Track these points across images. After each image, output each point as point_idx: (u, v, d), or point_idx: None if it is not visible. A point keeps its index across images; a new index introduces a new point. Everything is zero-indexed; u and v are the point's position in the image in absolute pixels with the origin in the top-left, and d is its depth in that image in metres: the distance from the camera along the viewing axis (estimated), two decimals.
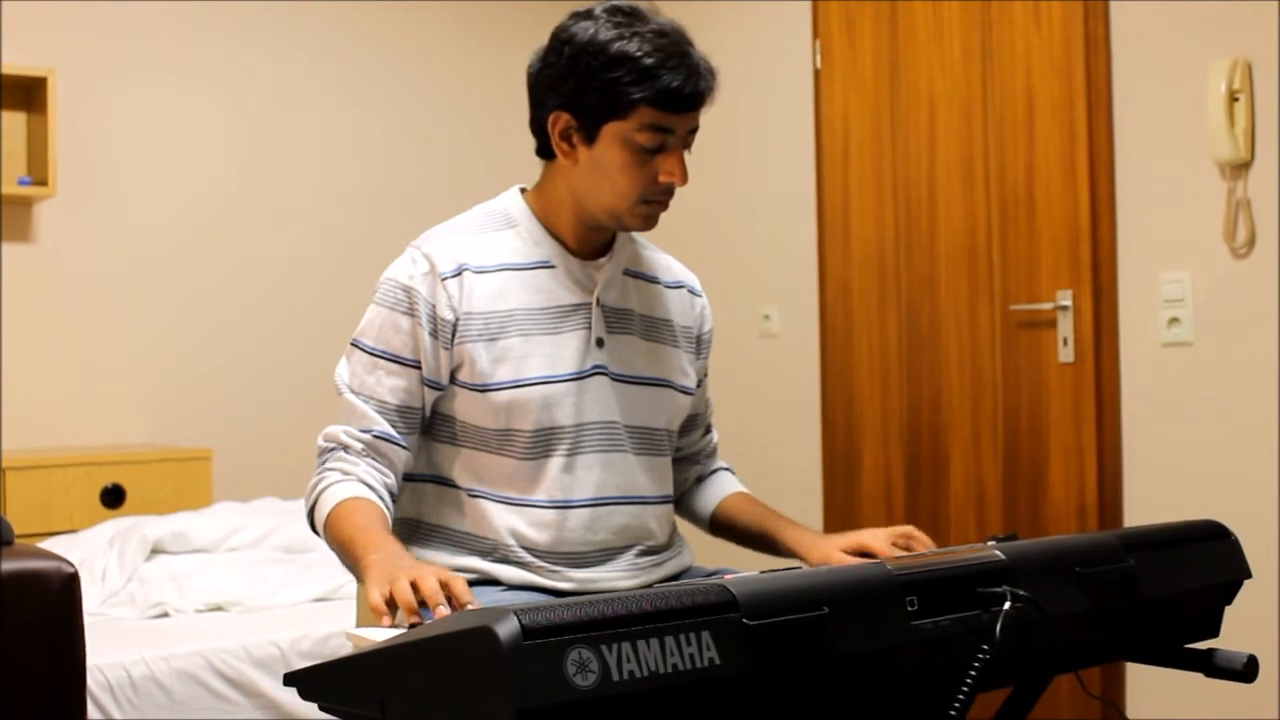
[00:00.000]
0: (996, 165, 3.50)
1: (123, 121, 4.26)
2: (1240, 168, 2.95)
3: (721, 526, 2.11)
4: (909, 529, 1.87)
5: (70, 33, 4.16)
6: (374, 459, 1.85)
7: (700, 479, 2.17)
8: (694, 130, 1.86)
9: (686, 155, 1.87)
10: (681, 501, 2.16)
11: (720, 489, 2.14)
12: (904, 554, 1.82)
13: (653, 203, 1.86)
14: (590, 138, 1.83)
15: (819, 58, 4.06)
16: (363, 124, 4.72)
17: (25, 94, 4.02)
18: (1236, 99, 2.92)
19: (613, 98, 1.79)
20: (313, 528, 1.87)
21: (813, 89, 4.09)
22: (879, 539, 1.85)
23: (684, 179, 1.84)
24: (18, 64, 3.96)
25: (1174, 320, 3.10)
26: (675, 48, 1.80)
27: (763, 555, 2.06)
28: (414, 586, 1.51)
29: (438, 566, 1.59)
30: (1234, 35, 2.95)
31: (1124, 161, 3.22)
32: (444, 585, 1.51)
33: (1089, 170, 3.26)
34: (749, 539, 2.06)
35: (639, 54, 1.78)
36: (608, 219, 1.88)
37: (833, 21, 4.00)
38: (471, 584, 1.80)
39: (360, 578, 1.69)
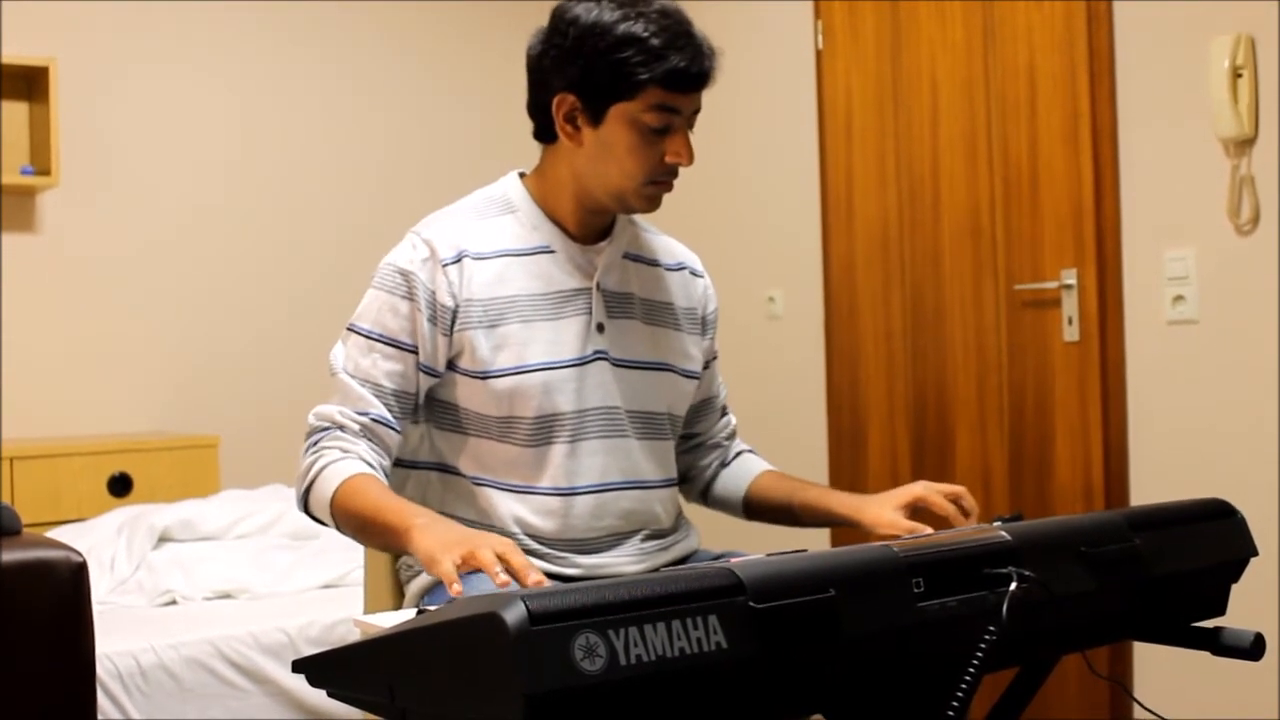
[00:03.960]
0: (999, 144, 3.49)
1: (125, 110, 4.26)
2: (1244, 144, 2.94)
3: (755, 509, 2.09)
4: (960, 488, 1.87)
5: (71, 22, 4.16)
6: (371, 441, 1.85)
7: (724, 464, 2.15)
8: (697, 111, 1.87)
9: (690, 136, 1.87)
10: (709, 489, 2.14)
11: (748, 470, 2.12)
12: (920, 533, 1.80)
13: (659, 183, 1.86)
14: (596, 119, 1.83)
15: (820, 38, 4.05)
16: (365, 110, 4.72)
17: (27, 84, 4.03)
18: (1239, 75, 2.91)
19: (621, 79, 1.79)
20: (306, 506, 1.84)
21: (815, 69, 4.08)
22: (933, 491, 1.85)
23: (690, 159, 1.85)
24: (19, 54, 3.96)
25: (1179, 298, 3.09)
26: (680, 28, 1.81)
27: (770, 539, 2.05)
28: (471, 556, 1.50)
29: (492, 535, 1.58)
30: (1236, 11, 2.94)
31: (1127, 139, 3.21)
32: (502, 557, 1.50)
33: (1092, 148, 3.25)
34: (786, 515, 2.05)
35: (646, 35, 1.78)
36: (612, 201, 1.88)
37: (834, 2, 3.99)
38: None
39: (399, 545, 1.67)
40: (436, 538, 1.57)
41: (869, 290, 3.90)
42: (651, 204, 1.89)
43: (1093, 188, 3.25)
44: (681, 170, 1.88)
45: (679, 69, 1.79)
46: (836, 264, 4.02)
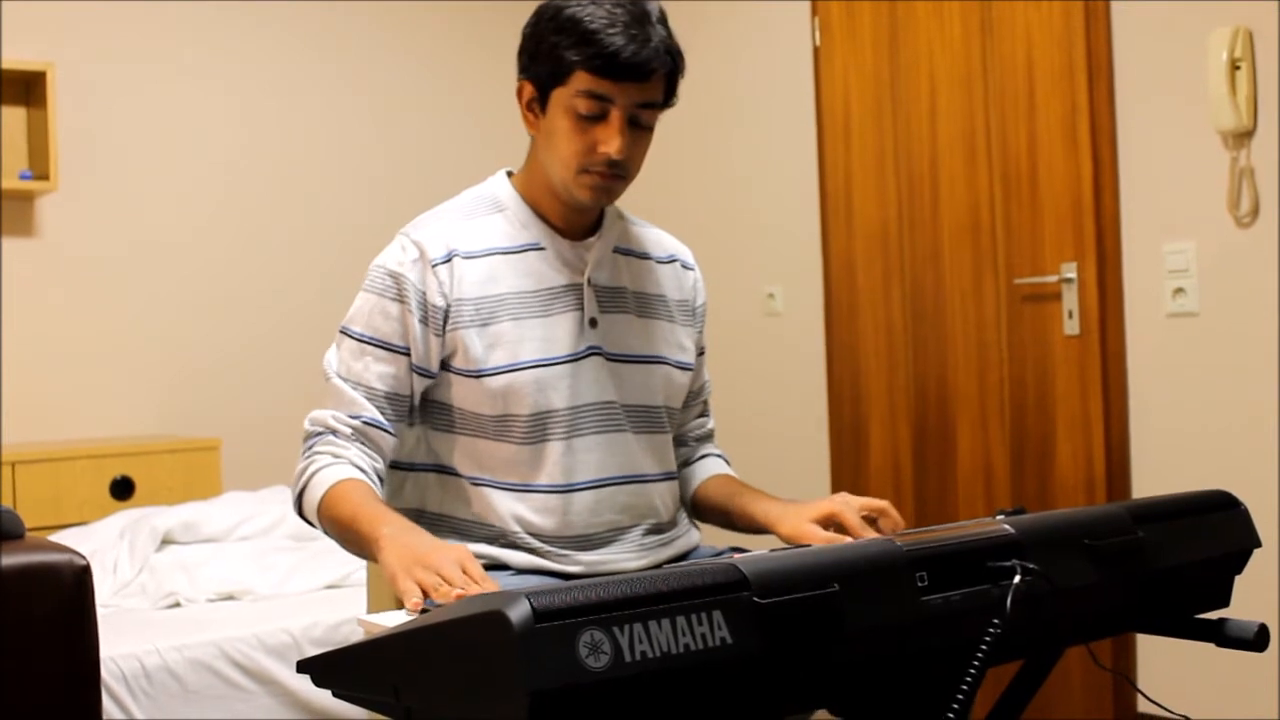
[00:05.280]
0: (998, 139, 3.49)
1: (122, 114, 4.26)
2: (1243, 136, 2.94)
3: (700, 511, 2.07)
4: (883, 504, 1.79)
5: (68, 26, 4.16)
6: (363, 444, 1.84)
7: (687, 463, 2.11)
8: (646, 106, 1.81)
9: (645, 134, 1.83)
10: None
11: (702, 472, 2.09)
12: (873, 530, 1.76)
13: (595, 174, 1.82)
14: (543, 106, 1.83)
15: (818, 35, 4.04)
16: (362, 111, 4.72)
17: (25, 88, 4.02)
18: (1238, 67, 2.91)
19: (554, 63, 1.79)
20: (300, 511, 1.84)
21: (813, 66, 4.07)
22: (850, 509, 1.77)
23: (620, 151, 1.79)
24: (17, 58, 3.96)
25: (1179, 291, 3.09)
26: (628, 18, 1.77)
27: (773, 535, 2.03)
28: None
29: (454, 546, 1.59)
30: (1234, 4, 2.94)
31: (1126, 133, 3.21)
32: (463, 570, 1.52)
33: (1091, 142, 3.25)
34: (721, 519, 2.01)
35: (585, 19, 1.77)
36: (561, 190, 1.86)
37: None
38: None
39: (371, 554, 1.68)
40: (397, 554, 1.57)
41: (869, 286, 3.90)
42: (595, 195, 1.84)
43: (1092, 181, 3.25)
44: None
45: (606, 54, 1.74)
46: (836, 260, 4.02)
